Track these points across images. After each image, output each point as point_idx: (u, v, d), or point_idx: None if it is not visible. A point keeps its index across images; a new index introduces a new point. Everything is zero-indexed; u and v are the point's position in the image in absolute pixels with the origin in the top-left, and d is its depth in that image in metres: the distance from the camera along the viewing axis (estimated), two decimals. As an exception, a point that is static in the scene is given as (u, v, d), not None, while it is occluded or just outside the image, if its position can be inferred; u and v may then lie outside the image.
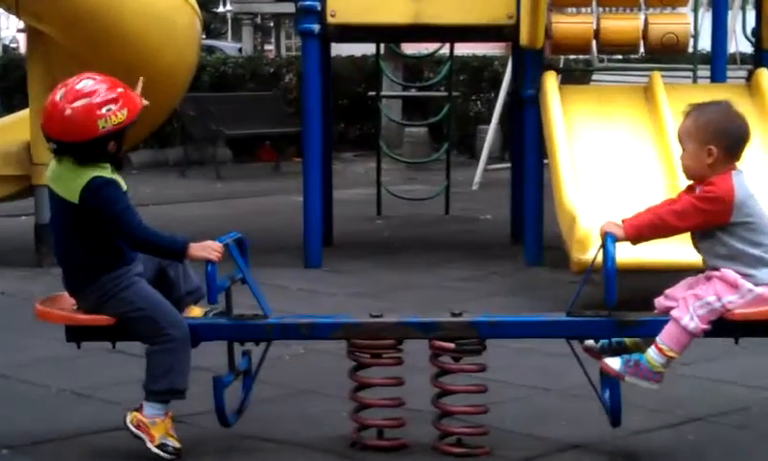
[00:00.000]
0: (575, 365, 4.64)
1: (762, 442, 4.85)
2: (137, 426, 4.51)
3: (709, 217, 4.35)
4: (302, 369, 5.80)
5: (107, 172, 4.57)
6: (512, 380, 5.54)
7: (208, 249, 4.53)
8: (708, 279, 4.38)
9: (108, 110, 4.50)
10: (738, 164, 4.45)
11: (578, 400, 5.07)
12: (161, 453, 4.49)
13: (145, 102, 4.65)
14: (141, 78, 4.77)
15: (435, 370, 4.64)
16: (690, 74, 10.78)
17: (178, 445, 4.54)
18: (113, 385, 5.37)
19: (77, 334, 4.69)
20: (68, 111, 4.50)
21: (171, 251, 4.60)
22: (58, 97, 4.54)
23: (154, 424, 4.51)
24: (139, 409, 4.53)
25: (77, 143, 4.51)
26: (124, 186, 4.63)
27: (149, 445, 4.50)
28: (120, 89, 4.57)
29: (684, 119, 4.48)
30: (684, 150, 4.47)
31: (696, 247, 4.51)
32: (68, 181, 4.56)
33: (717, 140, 4.37)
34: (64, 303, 4.74)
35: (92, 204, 4.52)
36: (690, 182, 4.56)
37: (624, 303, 4.55)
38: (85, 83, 4.57)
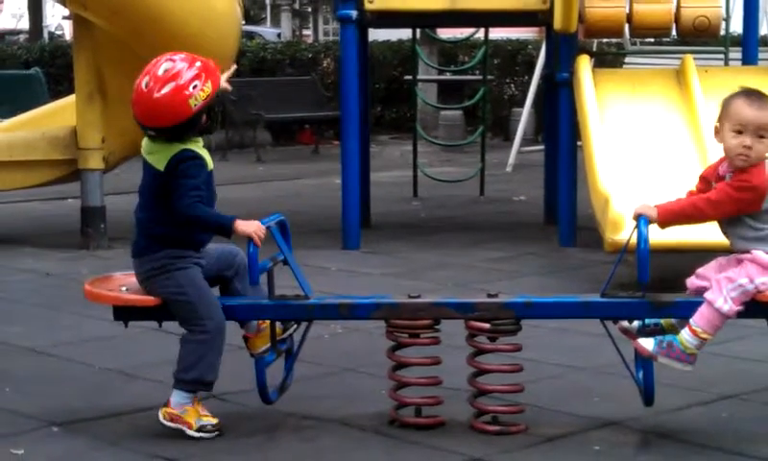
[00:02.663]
0: (609, 343, 4.62)
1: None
2: (171, 420, 4.54)
3: (743, 205, 4.33)
4: (341, 348, 5.81)
5: (198, 146, 4.62)
6: (547, 359, 5.53)
7: (254, 227, 4.53)
8: (740, 261, 4.35)
9: (195, 88, 4.52)
10: None
11: (612, 378, 5.06)
12: (204, 435, 4.52)
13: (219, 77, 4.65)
14: (234, 66, 4.75)
15: (471, 349, 4.64)
16: (722, 57, 10.70)
17: (214, 420, 4.56)
18: (156, 364, 5.39)
19: (124, 314, 4.72)
20: (158, 97, 4.50)
21: (218, 225, 4.59)
22: (144, 86, 4.54)
23: (185, 413, 4.54)
24: (167, 404, 4.55)
25: (174, 127, 4.54)
26: (210, 165, 4.66)
27: (189, 432, 4.52)
28: (199, 63, 4.58)
29: (764, 108, 4.34)
30: (763, 138, 4.31)
31: (723, 231, 4.48)
32: (161, 153, 4.58)
33: None
34: (112, 283, 4.78)
35: (173, 170, 4.54)
36: (704, 173, 4.54)
37: (656, 281, 4.54)
38: (166, 65, 4.56)
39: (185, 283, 4.56)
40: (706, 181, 4.53)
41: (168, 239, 4.59)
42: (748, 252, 4.34)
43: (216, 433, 4.54)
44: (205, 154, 4.67)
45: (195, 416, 4.55)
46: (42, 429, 4.74)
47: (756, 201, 4.32)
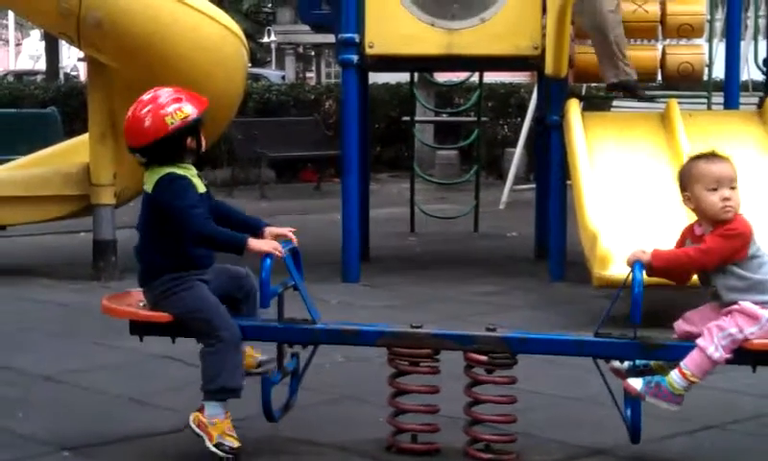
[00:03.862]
0: (599, 375, 4.61)
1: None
2: (198, 426, 4.50)
3: (733, 252, 4.34)
4: (342, 377, 5.79)
5: (183, 170, 4.61)
6: (539, 389, 5.51)
7: (269, 245, 4.53)
8: (729, 312, 4.35)
9: (174, 108, 4.57)
10: None
11: (602, 409, 5.02)
12: (218, 451, 4.47)
13: (206, 102, 4.71)
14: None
15: (468, 380, 4.62)
16: (705, 101, 10.72)
17: (236, 444, 4.51)
18: (167, 391, 5.37)
19: (139, 329, 4.71)
20: (137, 115, 4.59)
21: (232, 244, 4.56)
22: (130, 112, 4.63)
23: (213, 425, 4.49)
24: (201, 410, 4.52)
25: (154, 144, 4.56)
26: (200, 188, 4.65)
27: (207, 443, 4.48)
28: (183, 93, 4.66)
29: (722, 163, 4.44)
30: (735, 189, 4.39)
31: (704, 282, 4.47)
32: (151, 177, 4.62)
33: None
34: (130, 299, 4.78)
35: (160, 196, 4.56)
36: (688, 226, 4.54)
37: (645, 315, 4.52)
38: (150, 94, 4.66)
39: (192, 302, 4.55)
40: (690, 233, 4.53)
41: (164, 266, 4.59)
42: (736, 302, 4.34)
43: (231, 457, 4.49)
44: (195, 178, 4.65)
45: (219, 431, 4.50)
46: (54, 454, 4.71)
47: (743, 247, 4.34)
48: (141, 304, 4.72)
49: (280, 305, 4.71)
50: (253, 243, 4.53)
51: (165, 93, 4.64)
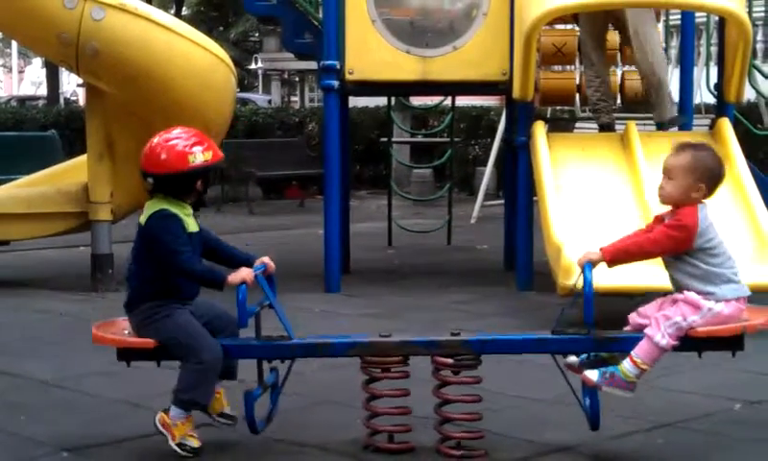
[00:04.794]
0: (562, 377, 4.63)
1: (723, 443, 4.85)
2: (163, 425, 4.58)
3: (677, 243, 4.39)
4: (321, 383, 5.79)
5: (177, 209, 4.62)
6: (507, 391, 5.54)
7: (243, 275, 4.55)
8: (675, 301, 4.40)
9: (197, 149, 4.59)
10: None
11: (564, 408, 5.06)
12: (179, 451, 4.55)
13: (222, 155, 4.74)
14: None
15: (436, 382, 4.64)
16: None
17: (196, 444, 4.58)
18: (159, 395, 5.34)
19: (126, 355, 4.72)
20: (163, 148, 4.59)
21: (211, 279, 4.60)
22: (155, 141, 4.64)
23: (175, 426, 4.56)
24: (166, 411, 4.59)
25: (170, 176, 4.57)
26: (191, 227, 4.66)
27: (170, 442, 4.56)
28: (207, 141, 4.68)
29: (678, 154, 4.48)
30: (670, 179, 4.44)
31: (667, 269, 4.53)
32: (147, 210, 4.63)
33: (707, 179, 4.44)
34: (116, 327, 4.78)
35: (151, 230, 4.59)
36: (658, 214, 4.58)
37: (603, 319, 4.56)
38: (177, 131, 4.67)
39: (172, 329, 4.57)
40: (657, 221, 4.58)
41: (147, 294, 4.61)
42: (682, 292, 4.38)
43: (191, 455, 4.55)
44: (188, 217, 4.67)
45: (182, 432, 4.57)
46: (54, 455, 4.71)
47: (687, 239, 4.37)
48: (126, 332, 4.71)
49: (257, 324, 4.71)
50: (231, 278, 4.54)
51: (192, 134, 4.65)
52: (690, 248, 4.38)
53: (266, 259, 4.76)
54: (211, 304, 4.77)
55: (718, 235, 4.46)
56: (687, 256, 4.39)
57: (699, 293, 4.37)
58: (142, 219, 4.65)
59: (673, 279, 4.47)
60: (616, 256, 4.48)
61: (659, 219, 4.56)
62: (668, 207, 4.52)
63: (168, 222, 4.58)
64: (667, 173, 4.46)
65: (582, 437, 4.77)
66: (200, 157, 4.58)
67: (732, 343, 4.52)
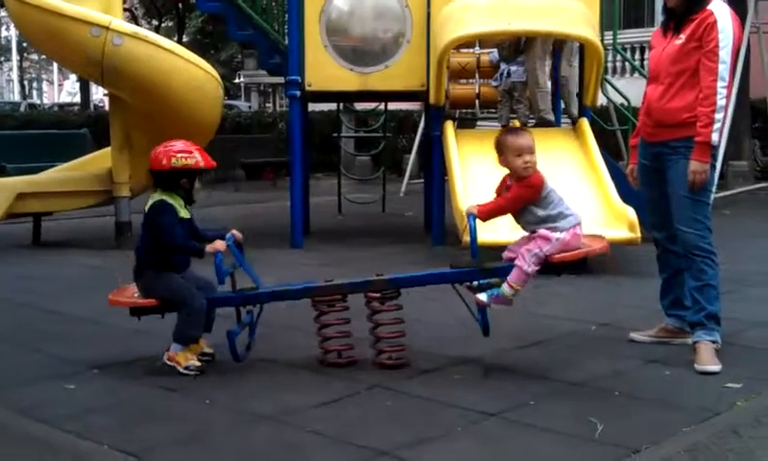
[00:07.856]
0: (469, 305, 4.64)
1: (583, 354, 4.90)
2: (170, 359, 4.55)
3: (529, 197, 4.41)
4: (283, 317, 5.75)
5: (172, 199, 4.57)
6: (423, 318, 5.56)
7: (216, 246, 4.51)
8: (532, 238, 4.43)
9: (181, 156, 4.54)
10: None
11: (467, 330, 5.09)
12: (188, 373, 4.52)
13: (213, 163, 4.65)
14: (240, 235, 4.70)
15: (369, 311, 4.65)
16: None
17: (198, 364, 4.56)
18: (167, 324, 5.31)
19: (137, 311, 4.69)
20: (158, 152, 4.57)
21: (194, 251, 4.57)
22: (157, 148, 4.61)
23: (178, 356, 4.54)
24: (168, 350, 4.57)
25: (158, 172, 4.55)
26: (182, 213, 4.60)
27: (179, 369, 4.52)
28: (196, 150, 4.60)
29: (525, 136, 4.47)
30: (531, 154, 4.42)
31: (517, 220, 4.54)
32: (150, 199, 4.60)
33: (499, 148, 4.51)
34: (128, 292, 4.73)
35: (151, 214, 4.55)
36: (504, 177, 4.58)
37: (487, 259, 4.59)
38: (180, 142, 4.63)
39: (170, 288, 4.55)
40: (502, 188, 4.60)
41: (147, 264, 4.58)
42: (535, 231, 4.41)
43: (198, 373, 4.52)
44: (180, 207, 4.61)
45: (185, 359, 4.55)
46: (86, 372, 4.67)
47: (536, 193, 4.40)
48: (136, 295, 4.67)
49: (233, 281, 4.69)
50: (208, 247, 4.50)
51: (180, 144, 4.59)
52: (538, 199, 4.40)
53: (234, 231, 4.69)
54: (198, 275, 4.72)
55: (549, 186, 4.46)
56: (534, 207, 4.40)
57: (547, 229, 4.39)
58: (147, 206, 4.60)
59: (527, 226, 4.48)
60: (486, 213, 4.49)
61: (504, 182, 4.57)
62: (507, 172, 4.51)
63: (164, 208, 4.54)
64: (531, 150, 4.43)
65: (480, 352, 4.82)
66: (181, 161, 4.54)
67: (579, 265, 4.63)
